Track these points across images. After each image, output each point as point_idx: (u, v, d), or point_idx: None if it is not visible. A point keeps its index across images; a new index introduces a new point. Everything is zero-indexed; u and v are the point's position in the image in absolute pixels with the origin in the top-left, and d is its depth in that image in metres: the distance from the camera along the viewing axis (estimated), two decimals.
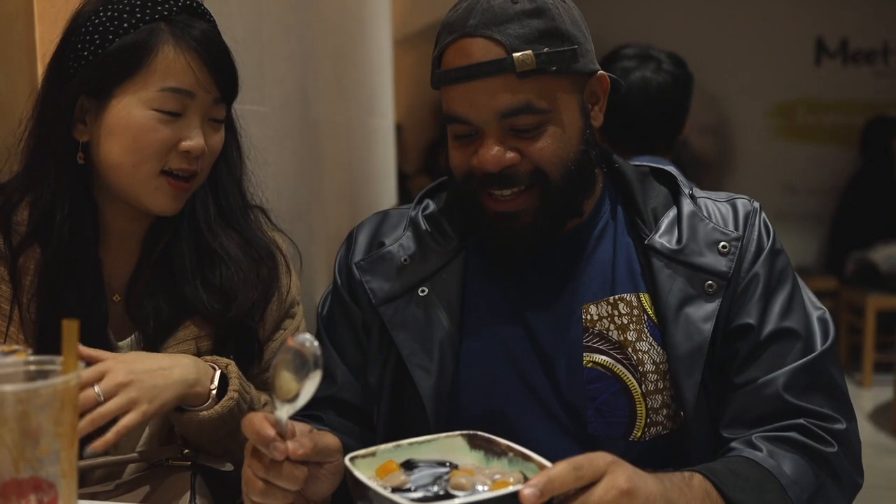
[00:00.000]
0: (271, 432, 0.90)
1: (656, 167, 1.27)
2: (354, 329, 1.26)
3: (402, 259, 1.24)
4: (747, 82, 5.93)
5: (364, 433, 1.23)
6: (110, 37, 1.16)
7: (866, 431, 4.15)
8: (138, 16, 1.17)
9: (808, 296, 1.19)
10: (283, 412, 0.88)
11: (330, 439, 0.99)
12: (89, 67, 1.17)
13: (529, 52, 1.08)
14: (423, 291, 1.21)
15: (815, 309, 1.17)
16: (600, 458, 0.82)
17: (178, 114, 1.18)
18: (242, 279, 1.27)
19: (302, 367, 0.87)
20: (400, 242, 1.25)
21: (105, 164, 1.20)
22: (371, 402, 1.24)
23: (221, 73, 1.22)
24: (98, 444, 1.03)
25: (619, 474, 0.81)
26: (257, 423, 0.91)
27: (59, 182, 1.19)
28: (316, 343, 0.87)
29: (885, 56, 6.00)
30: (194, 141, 1.19)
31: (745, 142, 6.07)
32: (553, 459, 1.14)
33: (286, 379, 0.87)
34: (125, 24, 1.16)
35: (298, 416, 1.27)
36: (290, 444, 0.90)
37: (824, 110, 6.02)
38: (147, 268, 1.27)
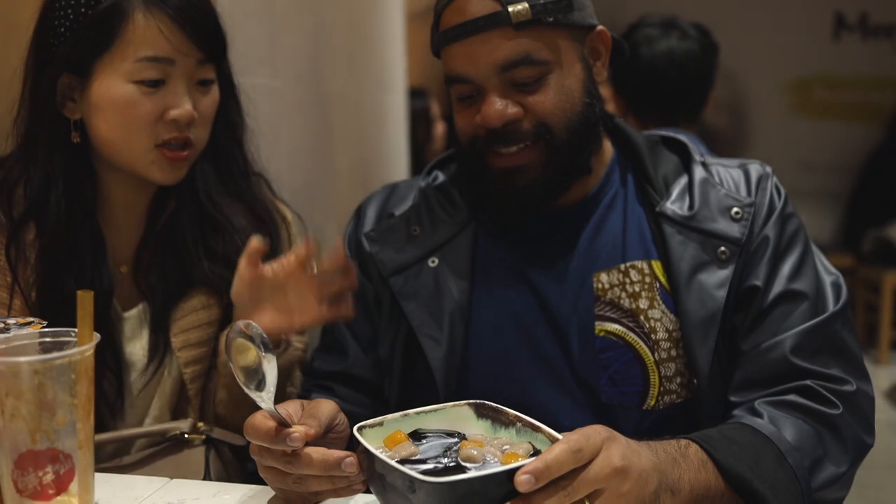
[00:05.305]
0: (275, 425, 0.88)
1: (667, 135, 1.27)
2: (365, 302, 1.26)
3: (412, 229, 1.24)
4: (764, 57, 5.85)
5: (376, 406, 1.24)
6: (83, 9, 1.15)
7: (882, 410, 4.13)
8: None
9: (822, 260, 1.18)
10: (267, 401, 0.87)
11: (325, 405, 0.97)
12: (67, 44, 1.16)
13: (524, 3, 1.09)
14: (433, 262, 1.21)
15: (829, 274, 1.16)
16: (597, 435, 0.80)
17: (159, 82, 1.16)
18: (245, 246, 1.26)
19: (254, 349, 0.86)
20: (409, 213, 1.26)
21: (99, 141, 1.20)
22: (382, 376, 1.24)
23: (201, 34, 1.19)
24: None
25: (614, 451, 0.80)
26: (260, 422, 0.89)
27: (51, 161, 1.19)
28: (254, 324, 0.87)
29: None
30: (181, 109, 1.17)
31: (760, 118, 6.01)
32: (567, 430, 1.15)
33: (246, 360, 0.86)
34: None
35: (310, 386, 1.29)
36: (300, 429, 0.88)
37: (842, 86, 5.94)
38: (153, 238, 1.28)
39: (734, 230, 1.14)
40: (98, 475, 0.91)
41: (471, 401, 0.91)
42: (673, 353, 1.14)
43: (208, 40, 1.20)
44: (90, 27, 1.14)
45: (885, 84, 5.82)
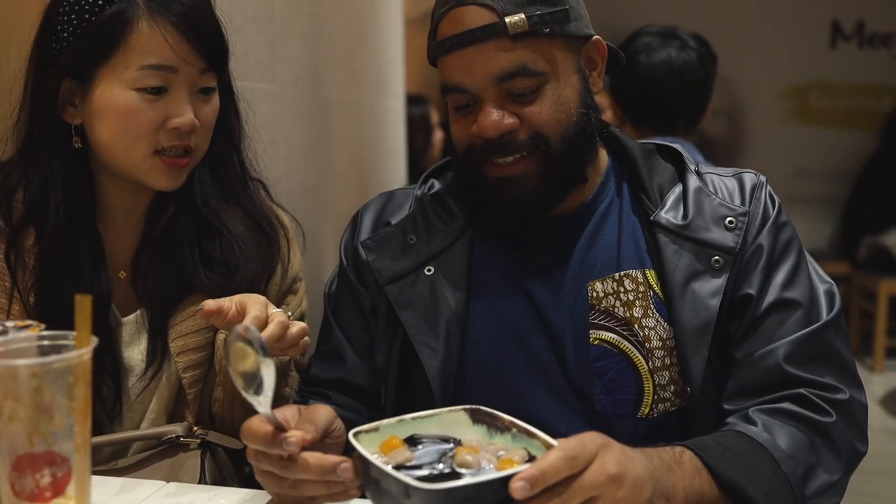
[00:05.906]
0: (272, 429, 0.88)
1: (662, 144, 1.27)
2: (361, 310, 1.27)
3: (409, 238, 1.24)
4: (761, 65, 5.87)
5: (372, 414, 1.24)
6: (87, 15, 1.15)
7: (877, 417, 4.14)
8: None
9: (816, 269, 1.18)
10: (265, 406, 0.87)
11: (322, 411, 0.98)
12: (70, 49, 1.16)
13: (521, 14, 1.09)
14: (429, 270, 1.21)
15: (822, 282, 1.16)
16: (592, 443, 0.80)
17: (161, 90, 1.16)
18: (243, 252, 1.26)
19: (253, 353, 0.87)
20: (405, 222, 1.26)
21: (99, 147, 1.20)
22: (379, 383, 1.25)
23: (204, 43, 1.19)
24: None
25: (609, 458, 0.80)
26: (257, 426, 0.89)
27: (51, 166, 1.19)
28: (253, 328, 0.88)
29: None
30: (183, 117, 1.17)
31: (757, 125, 6.02)
32: (563, 437, 1.16)
33: (245, 365, 0.87)
34: (100, 1, 1.15)
35: (307, 393, 1.29)
36: (297, 433, 0.89)
37: (839, 93, 5.95)
38: (151, 243, 1.28)
39: (728, 239, 1.14)
40: (94, 478, 0.91)
41: (466, 406, 0.91)
42: (667, 361, 1.14)
43: (211, 49, 1.20)
44: (94, 33, 1.15)
45: (881, 91, 5.84)
